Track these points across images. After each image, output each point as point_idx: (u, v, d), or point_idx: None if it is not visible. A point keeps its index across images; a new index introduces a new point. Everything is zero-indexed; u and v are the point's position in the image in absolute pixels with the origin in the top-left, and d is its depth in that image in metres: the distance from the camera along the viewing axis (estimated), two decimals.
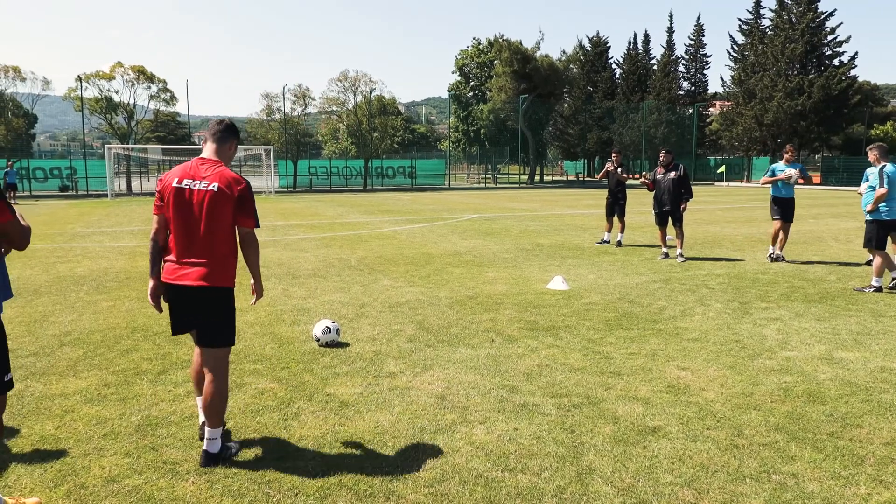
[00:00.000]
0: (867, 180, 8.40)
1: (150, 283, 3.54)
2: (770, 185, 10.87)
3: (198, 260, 3.41)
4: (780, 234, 10.60)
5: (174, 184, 3.42)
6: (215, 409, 3.48)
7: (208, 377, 3.50)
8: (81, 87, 38.63)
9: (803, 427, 3.99)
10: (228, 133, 3.62)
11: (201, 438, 3.61)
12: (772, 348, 5.64)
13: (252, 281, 3.74)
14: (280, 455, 3.57)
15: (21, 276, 9.11)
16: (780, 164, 10.82)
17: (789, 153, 11.06)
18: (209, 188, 3.38)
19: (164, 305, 3.61)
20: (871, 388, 4.65)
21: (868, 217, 8.21)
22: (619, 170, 12.70)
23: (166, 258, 3.49)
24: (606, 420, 4.08)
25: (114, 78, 39.81)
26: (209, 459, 3.42)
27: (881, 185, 7.99)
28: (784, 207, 10.65)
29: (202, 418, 3.60)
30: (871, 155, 8.24)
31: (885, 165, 8.05)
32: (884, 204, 8.06)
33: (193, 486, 3.22)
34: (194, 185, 3.40)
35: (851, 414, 4.20)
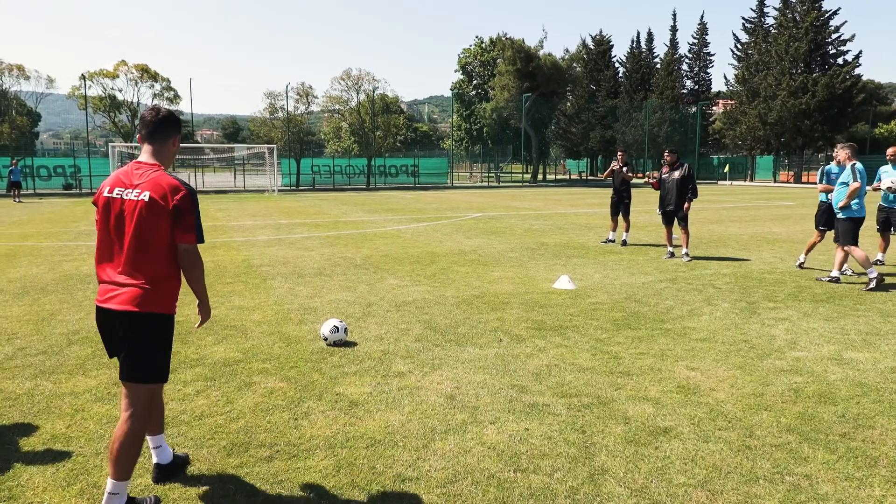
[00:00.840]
0: (824, 180, 9.30)
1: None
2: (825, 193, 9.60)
3: (128, 281, 2.89)
4: (881, 242, 9.99)
5: (104, 193, 2.95)
6: (124, 456, 2.87)
7: (124, 415, 2.92)
8: (85, 85, 38.71)
9: (815, 428, 3.97)
10: (166, 126, 3.04)
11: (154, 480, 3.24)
12: (781, 348, 5.62)
13: (198, 304, 3.21)
14: (291, 454, 3.56)
15: (27, 275, 9.12)
16: (888, 167, 9.44)
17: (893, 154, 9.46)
18: (140, 198, 2.86)
19: None
20: (882, 389, 4.63)
21: (840, 214, 8.45)
22: (625, 169, 12.67)
23: (100, 278, 2.98)
24: (617, 420, 4.07)
25: (117, 76, 39.95)
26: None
27: (854, 180, 8.23)
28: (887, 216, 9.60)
29: (154, 458, 3.25)
30: (843, 154, 8.63)
31: (855, 163, 8.41)
32: (856, 201, 8.30)
33: (206, 487, 3.21)
34: (125, 195, 2.90)
35: (863, 415, 4.18)
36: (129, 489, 2.98)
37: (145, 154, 3.03)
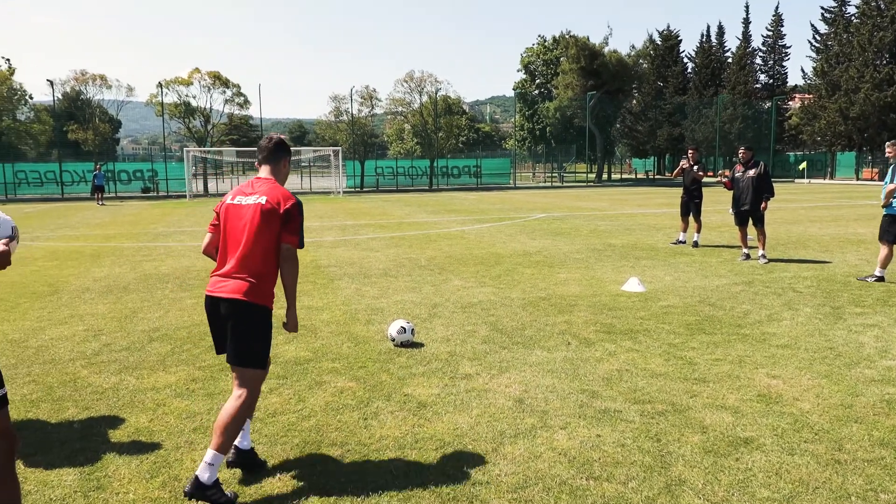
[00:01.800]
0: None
1: None
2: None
3: (238, 275, 3.25)
4: None
5: (228, 201, 3.40)
6: (229, 430, 3.13)
7: (235, 394, 3.23)
8: (162, 92, 40.53)
9: None
10: (278, 150, 3.48)
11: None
12: (870, 357, 5.29)
13: (286, 308, 3.39)
14: (362, 454, 3.60)
15: (111, 274, 9.60)
16: None
17: None
18: (258, 201, 3.29)
19: None
20: None
21: (884, 212, 8.45)
22: (696, 167, 12.26)
23: (213, 272, 3.39)
24: (694, 429, 3.92)
25: (191, 83, 41.59)
26: (195, 487, 3.02)
27: (892, 181, 8.25)
28: None
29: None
30: (889, 150, 8.45)
31: None
32: None
33: (281, 483, 3.28)
34: (244, 200, 3.34)
35: None
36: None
37: (263, 172, 3.48)
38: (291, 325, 3.44)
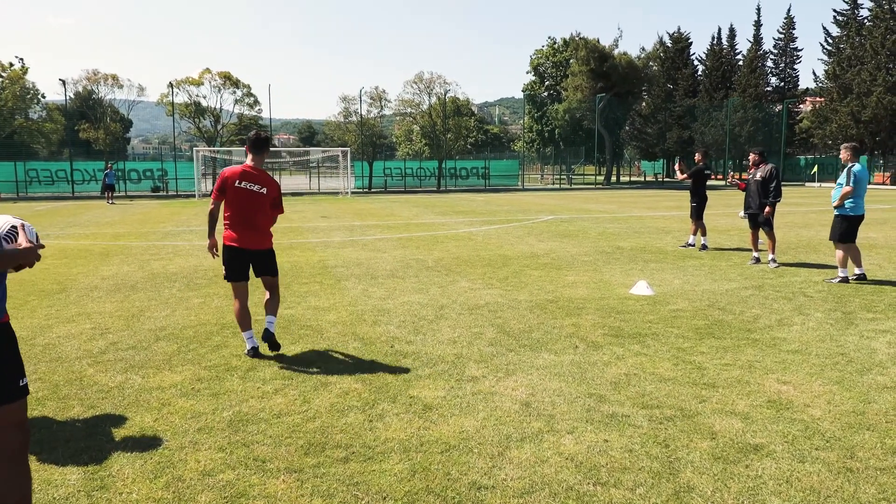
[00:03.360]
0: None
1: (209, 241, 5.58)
2: None
3: (257, 232, 5.42)
4: None
5: (236, 184, 5.36)
6: (274, 308, 5.51)
7: (273, 291, 5.55)
8: (172, 92, 40.74)
9: None
10: (267, 144, 5.59)
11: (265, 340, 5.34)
12: (883, 363, 5.22)
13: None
14: (367, 456, 3.57)
15: (119, 272, 9.63)
16: None
17: None
18: (260, 190, 5.34)
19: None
20: None
21: (836, 212, 8.75)
22: (690, 170, 12.55)
23: (232, 230, 5.35)
24: (703, 435, 3.86)
25: (202, 84, 41.80)
26: (269, 335, 5.29)
27: (847, 184, 8.55)
28: None
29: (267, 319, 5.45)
30: (843, 153, 8.80)
31: (853, 164, 8.62)
32: (850, 200, 8.61)
33: (284, 485, 3.26)
34: (252, 188, 5.31)
35: None
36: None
37: (254, 161, 5.40)
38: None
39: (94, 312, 7.01)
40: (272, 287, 5.53)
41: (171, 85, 41.09)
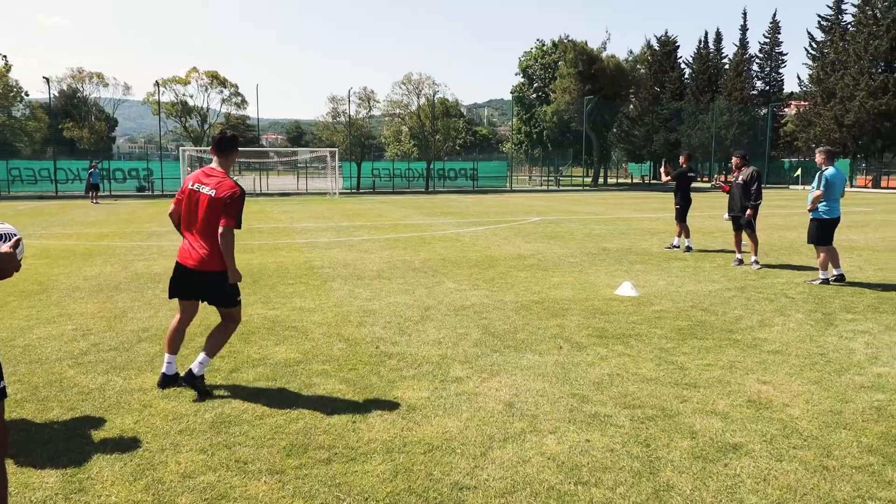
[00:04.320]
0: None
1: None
2: None
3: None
4: None
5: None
6: (216, 341, 4.63)
7: (225, 322, 4.65)
8: (159, 91, 40.50)
9: None
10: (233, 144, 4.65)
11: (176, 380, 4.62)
12: (861, 363, 5.29)
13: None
14: (350, 457, 3.57)
15: (102, 273, 9.55)
16: None
17: None
18: (209, 192, 4.51)
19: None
20: None
21: (811, 216, 8.88)
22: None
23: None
24: (683, 434, 3.90)
25: (189, 83, 41.60)
26: (189, 377, 4.45)
27: (818, 188, 8.69)
28: None
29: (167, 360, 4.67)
30: (818, 157, 8.96)
31: (826, 169, 8.73)
32: (823, 203, 8.72)
33: (266, 486, 3.25)
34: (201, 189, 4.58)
35: None
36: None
37: (218, 162, 4.52)
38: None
39: (76, 313, 6.95)
40: (226, 318, 4.61)
41: (157, 84, 40.84)
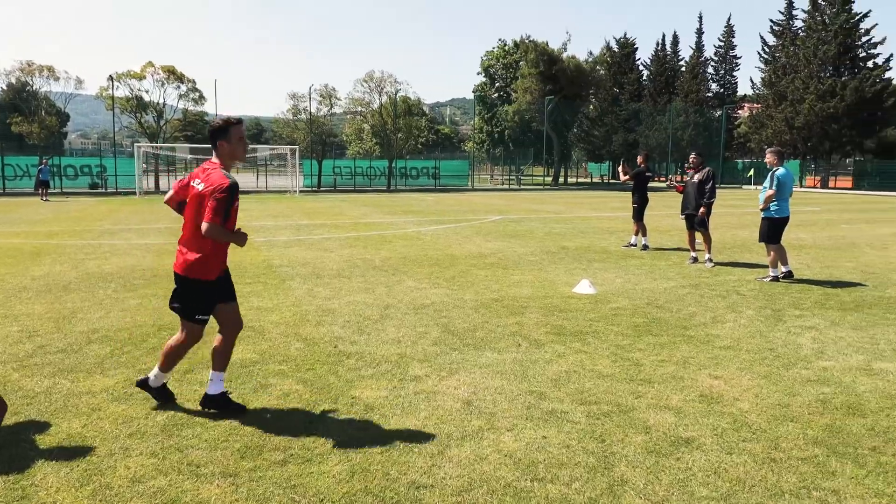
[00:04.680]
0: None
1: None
2: None
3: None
4: None
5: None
6: (173, 356, 4.21)
7: (223, 334, 4.19)
8: (113, 86, 39.35)
9: (843, 441, 3.84)
10: (210, 135, 4.01)
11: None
12: (807, 358, 5.47)
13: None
14: (305, 458, 3.53)
15: (51, 272, 9.24)
16: None
17: None
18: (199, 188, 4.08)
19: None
20: None
21: (763, 214, 9.09)
22: (634, 171, 12.83)
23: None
24: (638, 429, 3.97)
25: (144, 77, 40.47)
26: (207, 400, 4.14)
27: (770, 188, 8.91)
28: None
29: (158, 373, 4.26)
30: (768, 157, 9.16)
31: (777, 169, 8.97)
32: (774, 203, 8.95)
33: (218, 489, 3.19)
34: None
35: (893, 428, 4.04)
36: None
37: (214, 155, 4.02)
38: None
39: (22, 314, 6.71)
40: (187, 331, 4.10)
41: (111, 78, 39.66)
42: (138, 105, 40.51)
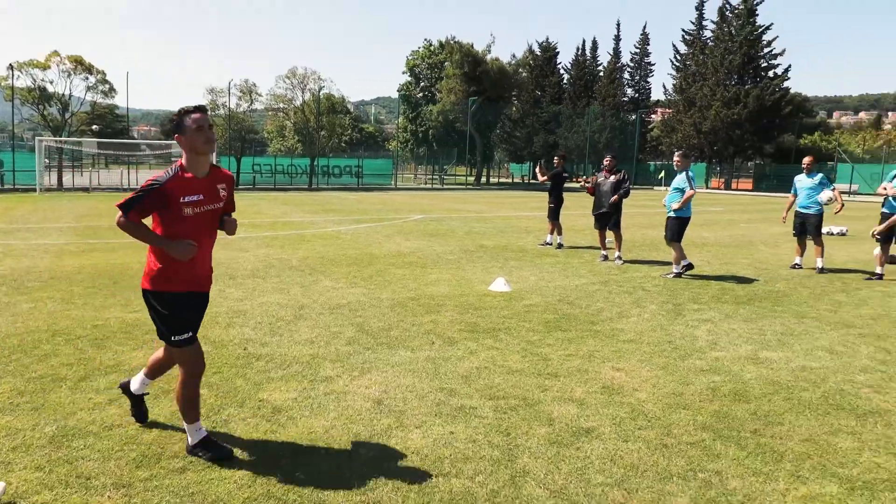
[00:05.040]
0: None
1: None
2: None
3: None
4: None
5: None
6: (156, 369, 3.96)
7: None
8: (13, 75, 36.76)
9: (728, 425, 4.11)
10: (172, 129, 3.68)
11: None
12: (702, 349, 5.80)
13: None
14: (206, 465, 3.43)
15: None
16: (801, 176, 10.50)
17: None
18: None
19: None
20: (792, 387, 4.83)
21: (672, 214, 9.48)
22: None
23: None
24: (542, 422, 4.10)
25: (49, 67, 38.01)
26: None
27: (691, 188, 9.33)
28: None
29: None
30: (677, 159, 9.59)
31: (690, 171, 9.44)
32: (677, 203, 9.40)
33: (109, 502, 3.06)
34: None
35: (773, 412, 4.35)
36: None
37: None
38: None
39: None
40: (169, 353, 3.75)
41: (11, 67, 37.04)
42: (41, 96, 38.02)
